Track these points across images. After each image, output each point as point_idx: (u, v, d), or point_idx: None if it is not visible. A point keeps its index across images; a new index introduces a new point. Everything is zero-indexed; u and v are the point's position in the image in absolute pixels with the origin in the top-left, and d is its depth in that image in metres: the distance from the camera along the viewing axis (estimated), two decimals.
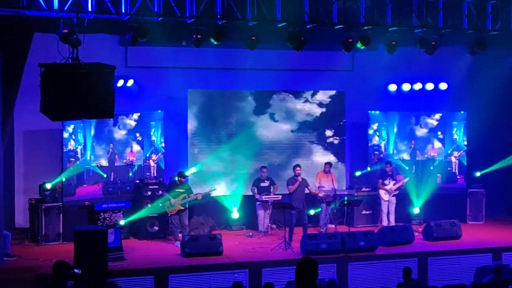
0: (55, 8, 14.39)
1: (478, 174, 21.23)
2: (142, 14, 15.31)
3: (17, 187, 18.73)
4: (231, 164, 20.19)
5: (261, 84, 20.47)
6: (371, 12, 17.02)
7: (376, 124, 21.39)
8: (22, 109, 16.75)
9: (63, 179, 18.09)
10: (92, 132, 18.81)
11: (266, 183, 19.20)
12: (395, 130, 21.53)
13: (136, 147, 19.52)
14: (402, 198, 20.18)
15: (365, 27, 17.16)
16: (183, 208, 17.70)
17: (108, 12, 15.06)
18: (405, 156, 21.52)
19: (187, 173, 18.96)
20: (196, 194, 17.95)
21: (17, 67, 15.31)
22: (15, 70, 15.25)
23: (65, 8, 14.40)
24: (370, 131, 21.28)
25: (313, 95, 20.91)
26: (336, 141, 21.12)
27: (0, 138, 14.68)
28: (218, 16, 16.00)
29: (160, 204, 18.09)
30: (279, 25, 16.65)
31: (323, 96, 20.95)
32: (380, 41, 18.08)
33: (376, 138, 21.45)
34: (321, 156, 20.84)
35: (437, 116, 21.56)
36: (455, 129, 21.52)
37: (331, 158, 20.75)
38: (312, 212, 19.58)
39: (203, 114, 20.04)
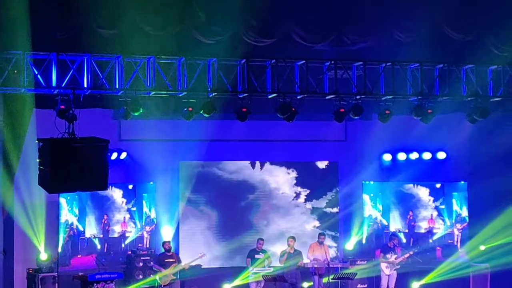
0: (53, 85, 15.84)
1: (482, 248, 21.48)
2: (135, 89, 16.69)
3: (16, 257, 19.90)
4: (223, 235, 21.77)
5: (252, 155, 21.90)
6: (363, 81, 17.72)
7: (371, 195, 22.42)
8: (21, 181, 18.15)
9: (59, 250, 19.73)
10: (87, 204, 20.43)
11: (260, 256, 20.38)
12: (391, 201, 22.50)
13: (129, 218, 21.11)
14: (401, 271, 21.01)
15: (357, 97, 17.93)
16: (174, 277, 19.49)
17: (103, 88, 16.46)
18: (402, 228, 22.40)
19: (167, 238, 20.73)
20: (185, 263, 19.80)
21: (17, 141, 16.92)
22: (15, 144, 16.87)
23: (63, 85, 15.87)
24: (366, 204, 22.36)
25: (305, 164, 22.35)
26: (329, 212, 22.36)
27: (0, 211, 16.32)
28: (209, 89, 17.15)
29: (152, 275, 19.84)
30: (269, 96, 17.67)
31: (316, 166, 22.38)
32: (374, 110, 18.95)
33: (371, 209, 22.42)
34: (314, 227, 22.20)
35: (436, 186, 22.47)
36: (454, 200, 22.25)
37: (324, 229, 22.03)
38: (305, 285, 20.76)
39: (195, 185, 21.53)
